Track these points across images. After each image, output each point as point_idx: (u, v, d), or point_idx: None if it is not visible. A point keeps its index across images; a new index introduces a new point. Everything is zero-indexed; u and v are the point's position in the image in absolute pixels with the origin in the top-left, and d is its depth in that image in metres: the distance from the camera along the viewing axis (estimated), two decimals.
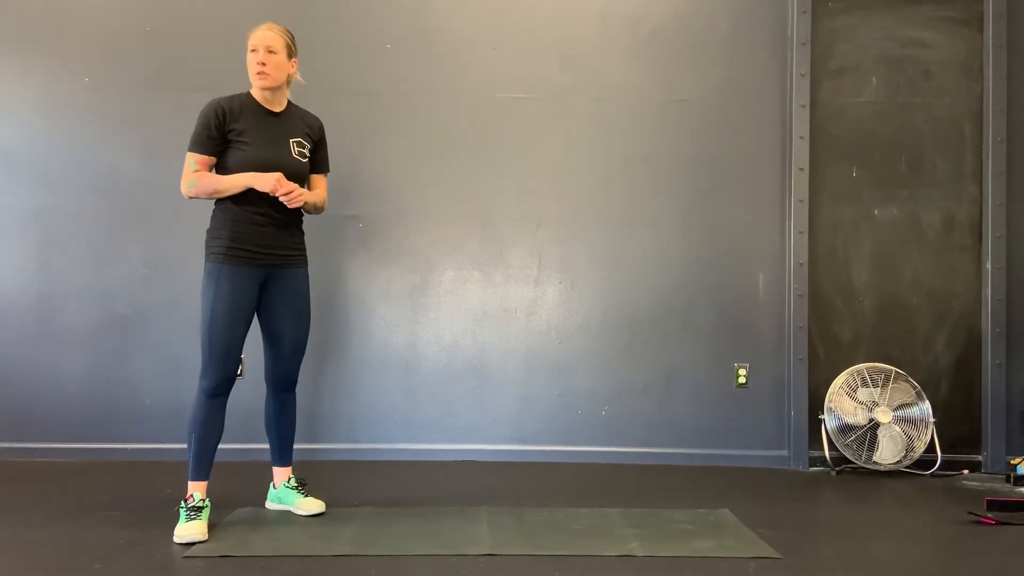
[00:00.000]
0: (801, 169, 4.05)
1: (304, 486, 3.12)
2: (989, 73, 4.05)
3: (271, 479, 3.15)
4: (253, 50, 2.90)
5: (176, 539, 2.69)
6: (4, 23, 4.01)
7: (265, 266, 2.90)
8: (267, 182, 2.80)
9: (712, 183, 4.09)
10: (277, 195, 2.81)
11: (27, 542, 2.70)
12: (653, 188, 4.09)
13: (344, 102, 4.03)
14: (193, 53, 4.00)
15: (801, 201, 4.05)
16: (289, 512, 3.06)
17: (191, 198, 2.89)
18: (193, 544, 2.66)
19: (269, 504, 3.14)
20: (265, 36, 2.90)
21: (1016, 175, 4.05)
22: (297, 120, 3.03)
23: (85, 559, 2.54)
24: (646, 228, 4.09)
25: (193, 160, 2.85)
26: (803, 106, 4.05)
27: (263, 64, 2.88)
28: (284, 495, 3.09)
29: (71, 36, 4.02)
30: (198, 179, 2.84)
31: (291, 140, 2.97)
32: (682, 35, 4.10)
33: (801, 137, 4.05)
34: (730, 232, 4.08)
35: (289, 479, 3.11)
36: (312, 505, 3.04)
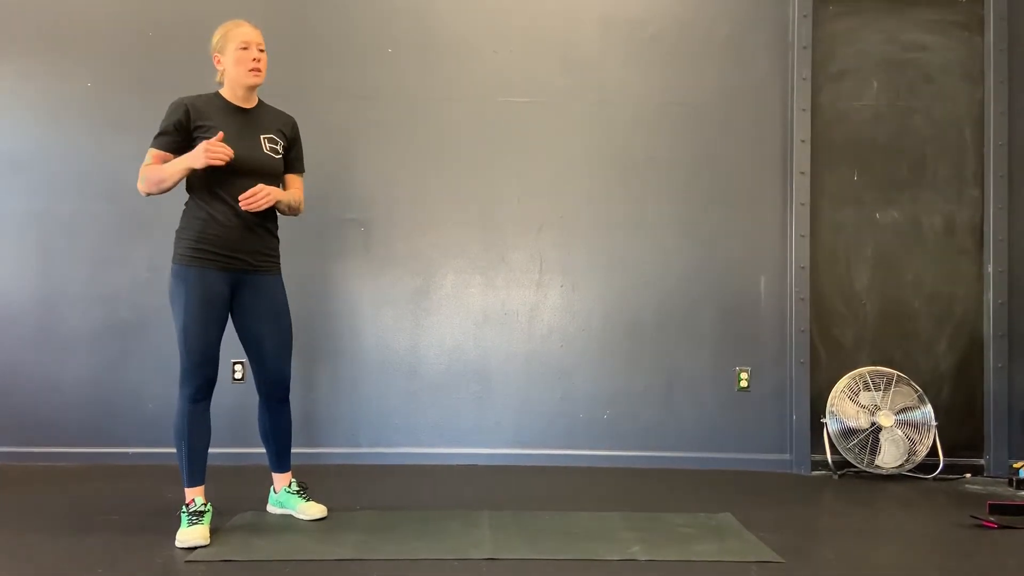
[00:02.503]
0: (802, 173, 4.05)
1: (306, 490, 3.12)
2: (990, 76, 4.05)
3: (272, 483, 3.15)
4: (245, 48, 2.85)
5: (178, 543, 2.69)
6: (6, 28, 4.02)
7: (233, 270, 2.84)
8: (198, 158, 2.68)
9: (713, 186, 4.09)
10: (240, 202, 2.75)
11: (29, 546, 2.70)
12: (654, 191, 4.09)
13: (345, 105, 4.04)
14: (195, 57, 3.98)
15: (802, 205, 4.05)
16: (291, 516, 3.05)
17: (147, 194, 2.82)
18: (195, 548, 2.66)
19: (271, 508, 3.14)
20: (255, 34, 2.89)
21: (1017, 178, 4.05)
22: (269, 117, 2.97)
23: (87, 563, 2.54)
24: (647, 231, 4.09)
25: (149, 155, 2.80)
26: (804, 110, 4.05)
27: (258, 61, 2.86)
28: (285, 499, 3.09)
29: (73, 41, 4.02)
30: (146, 172, 2.77)
31: (262, 136, 2.90)
32: (683, 39, 4.11)
33: (802, 141, 4.05)
34: (731, 235, 4.09)
35: (290, 483, 3.10)
36: (314, 509, 3.04)
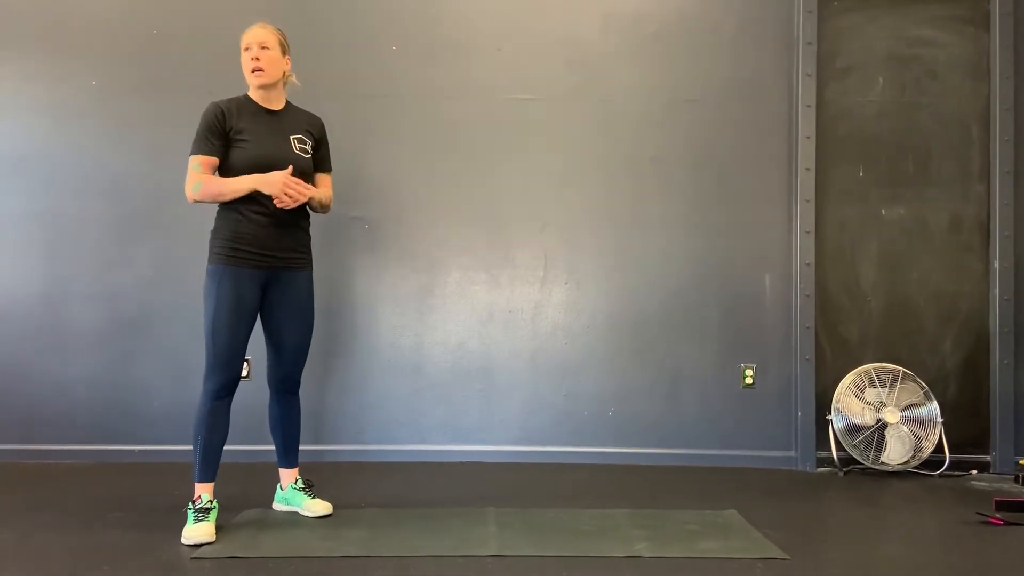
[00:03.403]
0: (807, 169, 4.04)
1: (311, 487, 3.13)
2: (996, 72, 4.04)
3: (278, 480, 3.16)
4: (247, 48, 2.91)
5: (184, 540, 2.70)
6: (10, 28, 4.03)
7: (267, 268, 2.89)
8: (274, 185, 2.79)
9: (718, 183, 4.08)
10: (275, 200, 2.79)
11: (36, 544, 2.71)
12: (659, 188, 4.09)
13: (350, 103, 4.04)
14: (199, 56, 4.01)
15: (808, 201, 4.04)
16: (296, 513, 3.06)
17: (196, 202, 2.87)
18: (201, 545, 2.67)
19: (276, 505, 3.15)
20: (258, 34, 2.92)
21: (1023, 174, 4.05)
22: (297, 118, 3.03)
23: (93, 561, 2.54)
24: (652, 228, 4.09)
25: (197, 162, 2.83)
26: (809, 106, 4.04)
27: (257, 60, 2.89)
28: (291, 496, 3.10)
29: (77, 40, 4.03)
30: (204, 182, 2.82)
31: (292, 137, 2.96)
32: (687, 35, 4.10)
33: (807, 137, 4.04)
34: (736, 232, 4.08)
35: (296, 480, 3.11)
36: (320, 507, 3.05)
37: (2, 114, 4.03)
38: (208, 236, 2.92)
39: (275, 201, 2.81)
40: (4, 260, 4.02)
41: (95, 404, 4.00)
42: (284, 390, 3.06)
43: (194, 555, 2.59)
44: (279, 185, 2.79)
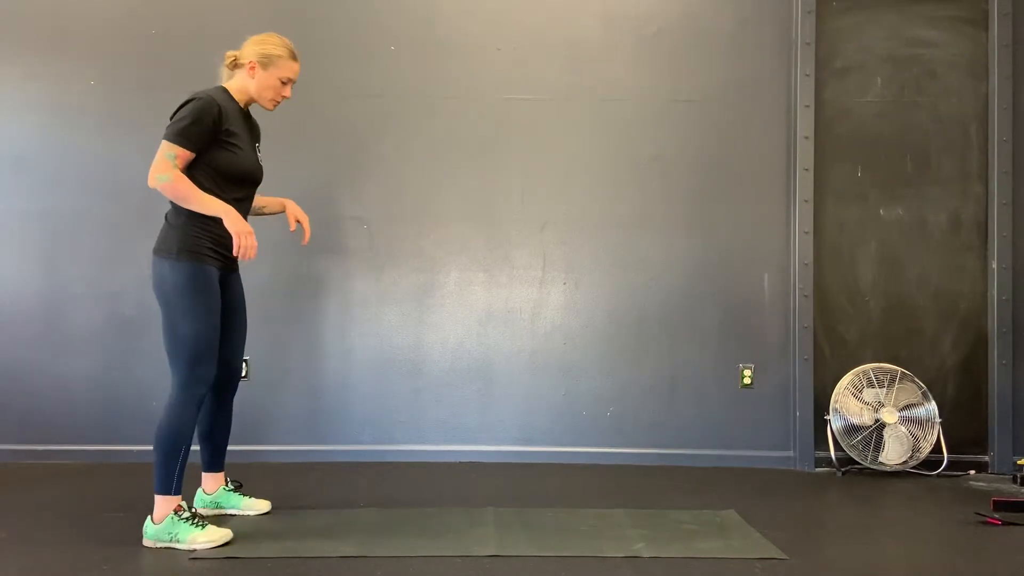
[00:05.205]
0: (806, 169, 4.05)
1: (241, 486, 3.11)
2: (994, 72, 4.04)
3: (277, 480, 3.15)
4: (285, 82, 2.91)
5: (203, 545, 2.64)
6: (10, 27, 4.03)
7: (225, 269, 2.87)
8: (238, 235, 2.70)
9: (717, 183, 4.09)
10: (234, 251, 2.74)
11: (35, 543, 2.72)
12: (658, 188, 4.09)
13: (348, 104, 4.04)
14: (199, 55, 4.00)
15: (806, 201, 4.05)
16: (295, 514, 3.05)
17: (154, 188, 2.70)
18: (223, 546, 2.66)
19: (202, 509, 3.05)
20: (298, 71, 2.94)
21: (1022, 174, 4.04)
22: (255, 123, 3.07)
23: (93, 561, 2.55)
24: (651, 228, 4.09)
25: (174, 152, 2.67)
26: (808, 106, 4.05)
27: (285, 98, 2.95)
28: (225, 499, 3.06)
29: (77, 39, 4.03)
30: (176, 179, 2.67)
31: (256, 144, 3.01)
32: (687, 35, 4.10)
33: (806, 137, 4.05)
34: (735, 232, 4.08)
35: (227, 482, 3.09)
36: (261, 504, 3.05)
37: (3, 113, 4.04)
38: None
39: (235, 239, 2.72)
40: (4, 259, 4.02)
41: (94, 403, 4.00)
42: (229, 390, 3.02)
43: (194, 555, 2.59)
44: (243, 237, 2.71)
